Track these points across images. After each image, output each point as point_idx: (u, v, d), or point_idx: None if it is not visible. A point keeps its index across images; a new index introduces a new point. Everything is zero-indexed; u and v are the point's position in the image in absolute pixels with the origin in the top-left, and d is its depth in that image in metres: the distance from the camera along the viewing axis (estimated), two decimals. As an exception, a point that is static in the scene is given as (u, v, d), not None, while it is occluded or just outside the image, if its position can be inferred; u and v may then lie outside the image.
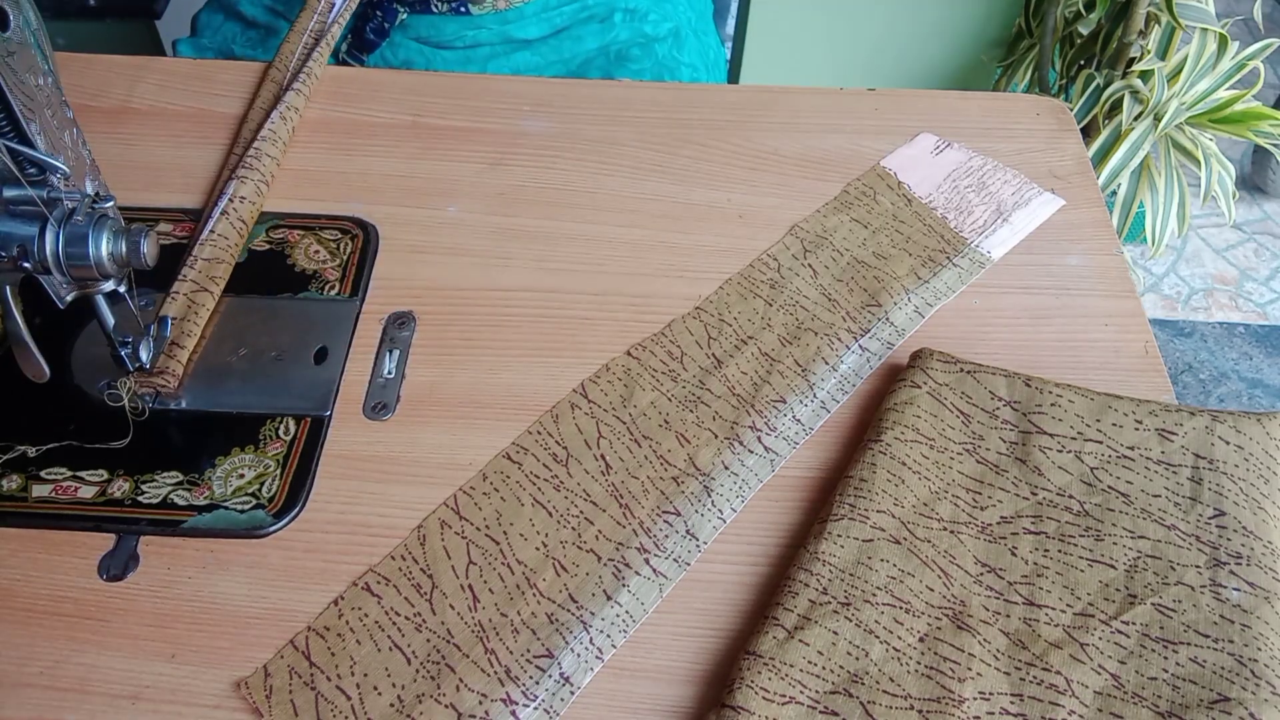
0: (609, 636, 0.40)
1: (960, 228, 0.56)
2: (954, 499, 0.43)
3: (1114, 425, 0.44)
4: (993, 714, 0.37)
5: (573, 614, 0.41)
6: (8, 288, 0.41)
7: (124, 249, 0.43)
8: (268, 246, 0.54)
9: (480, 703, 0.38)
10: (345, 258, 0.54)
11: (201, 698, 0.39)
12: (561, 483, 0.45)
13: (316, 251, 0.54)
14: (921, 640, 0.39)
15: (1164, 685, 0.37)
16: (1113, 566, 0.40)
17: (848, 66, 1.48)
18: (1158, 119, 1.17)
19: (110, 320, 0.46)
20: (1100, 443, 0.44)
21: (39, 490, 0.44)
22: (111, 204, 0.43)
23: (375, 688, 0.39)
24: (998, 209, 0.57)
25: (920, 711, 0.37)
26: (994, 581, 0.40)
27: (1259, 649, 0.38)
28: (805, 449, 0.47)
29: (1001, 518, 0.42)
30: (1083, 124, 1.20)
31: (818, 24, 1.41)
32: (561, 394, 0.48)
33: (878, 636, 0.39)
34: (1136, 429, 0.44)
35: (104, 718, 0.38)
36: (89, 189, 0.44)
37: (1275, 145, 1.20)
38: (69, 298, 0.43)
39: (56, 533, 0.43)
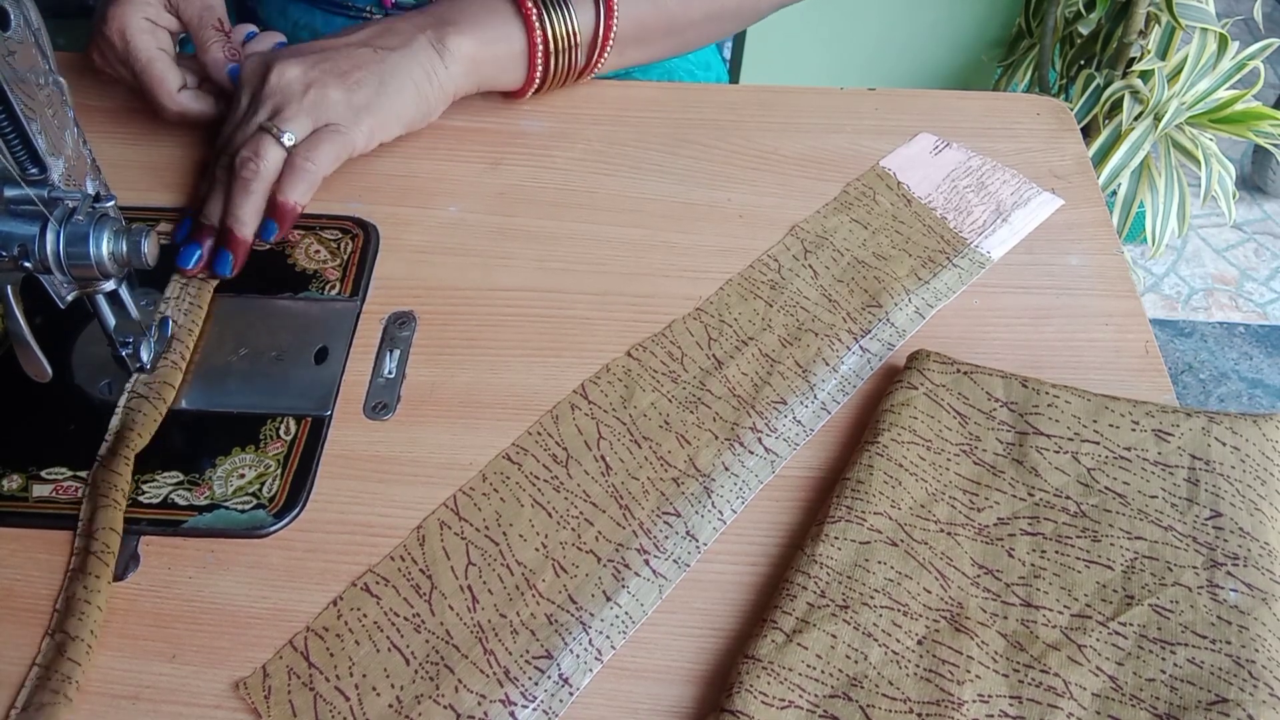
0: (608, 638, 0.40)
1: (960, 228, 0.56)
2: (951, 500, 0.43)
3: (1111, 426, 0.45)
4: (991, 716, 0.37)
5: (572, 615, 0.41)
6: (9, 287, 0.41)
7: (125, 249, 0.43)
8: (268, 246, 0.54)
9: (479, 703, 0.38)
10: (345, 257, 0.54)
11: (202, 698, 0.39)
12: (561, 484, 0.45)
13: (317, 251, 0.54)
14: (920, 643, 0.39)
15: (1162, 687, 0.37)
16: (1110, 567, 0.41)
17: (848, 66, 1.48)
18: (1158, 119, 1.17)
19: (111, 320, 0.46)
20: (1097, 444, 0.44)
21: (39, 490, 0.44)
22: (112, 204, 0.43)
23: (374, 688, 0.39)
24: (997, 209, 0.57)
25: (919, 715, 0.37)
26: (991, 583, 0.41)
27: (1256, 650, 0.38)
28: (806, 449, 0.47)
29: (998, 519, 0.42)
30: (1083, 124, 1.20)
31: (818, 24, 1.41)
32: (561, 394, 0.48)
33: (876, 639, 0.39)
34: (1133, 430, 0.44)
35: (104, 718, 0.39)
36: (89, 189, 0.44)
37: (1275, 145, 1.20)
38: (69, 297, 0.43)
39: (56, 533, 0.43)
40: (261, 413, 0.47)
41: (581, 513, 0.44)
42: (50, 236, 0.41)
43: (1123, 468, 0.43)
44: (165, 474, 0.45)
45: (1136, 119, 1.16)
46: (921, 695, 0.37)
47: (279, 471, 0.45)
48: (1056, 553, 0.41)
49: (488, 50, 0.57)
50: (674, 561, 0.43)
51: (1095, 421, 0.45)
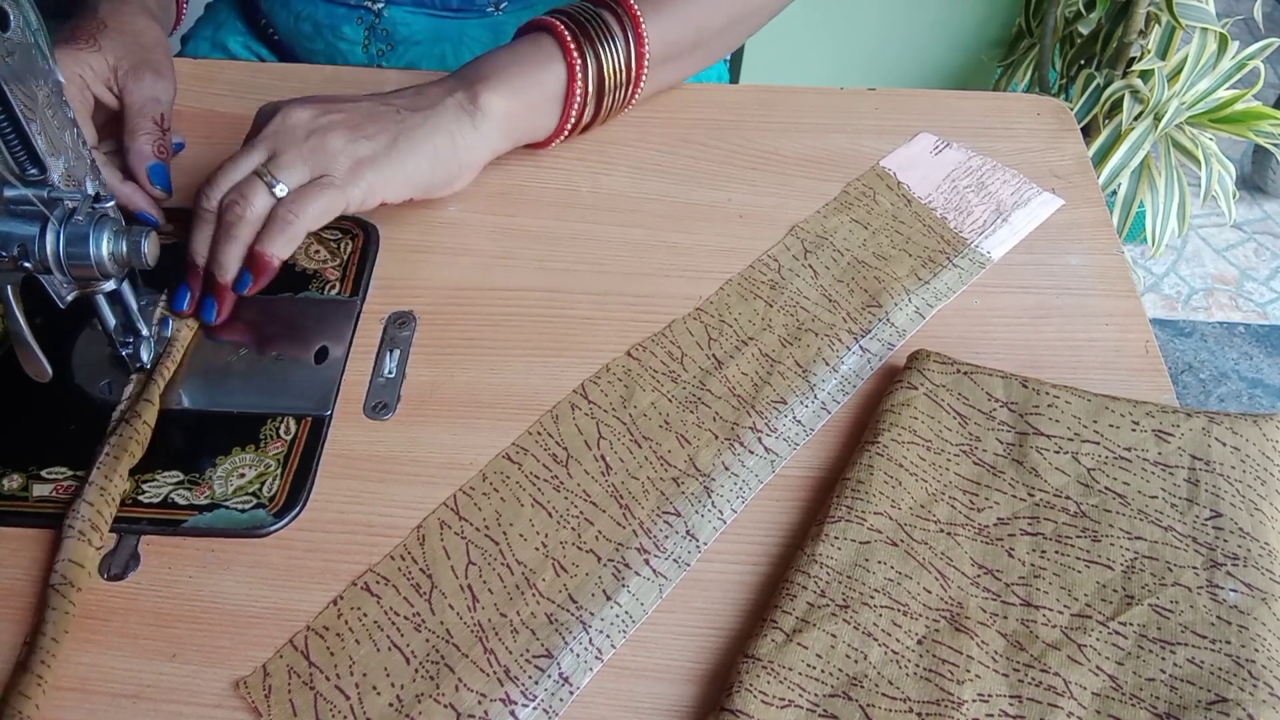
0: (608, 637, 0.40)
1: (960, 228, 0.56)
2: (951, 500, 0.43)
3: (1111, 426, 0.45)
4: (991, 716, 0.37)
5: (572, 614, 0.41)
6: (9, 288, 0.41)
7: (124, 249, 0.43)
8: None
9: (479, 703, 0.38)
10: (346, 257, 0.54)
11: (202, 697, 0.39)
12: (561, 483, 0.45)
13: (317, 251, 0.54)
14: (920, 642, 0.39)
15: (1162, 686, 0.37)
16: (1110, 567, 0.41)
17: (848, 66, 1.48)
18: (1158, 119, 1.17)
19: (111, 320, 0.46)
20: (1097, 444, 0.44)
21: (39, 490, 0.44)
22: (112, 204, 0.43)
23: (374, 687, 0.39)
24: (997, 209, 0.57)
25: (919, 714, 0.37)
26: (991, 583, 0.41)
27: (1256, 650, 0.38)
28: (806, 448, 0.47)
29: (998, 519, 0.42)
30: (1083, 124, 1.20)
31: (818, 24, 1.41)
32: (562, 394, 0.48)
33: (876, 639, 0.39)
34: (1133, 430, 0.44)
35: (104, 717, 0.39)
36: (89, 189, 0.44)
37: (1275, 145, 1.20)
38: (70, 297, 0.43)
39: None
40: (261, 412, 0.47)
41: (582, 512, 0.44)
42: (50, 237, 0.41)
43: (1123, 468, 0.43)
44: (165, 474, 0.45)
45: (1136, 119, 1.16)
46: (921, 695, 0.37)
47: (279, 471, 0.45)
48: (1056, 553, 0.41)
49: (519, 100, 0.54)
50: (674, 561, 0.43)
51: (1095, 422, 0.45)
